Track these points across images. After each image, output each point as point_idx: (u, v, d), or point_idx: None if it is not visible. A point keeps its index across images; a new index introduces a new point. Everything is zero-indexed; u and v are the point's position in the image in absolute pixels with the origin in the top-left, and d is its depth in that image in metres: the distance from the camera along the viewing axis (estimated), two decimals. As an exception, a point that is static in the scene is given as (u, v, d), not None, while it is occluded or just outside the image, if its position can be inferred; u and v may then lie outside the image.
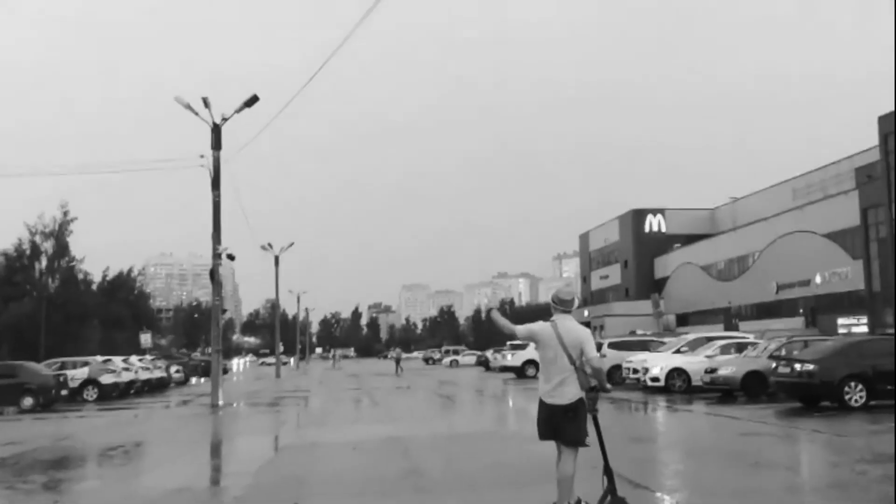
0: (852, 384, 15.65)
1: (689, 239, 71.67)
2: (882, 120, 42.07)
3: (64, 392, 24.31)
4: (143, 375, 30.94)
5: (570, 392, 6.31)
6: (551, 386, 6.37)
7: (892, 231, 40.94)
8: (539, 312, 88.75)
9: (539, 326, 6.52)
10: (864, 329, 41.73)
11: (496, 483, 8.87)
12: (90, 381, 26.82)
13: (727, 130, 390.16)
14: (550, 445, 6.62)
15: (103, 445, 14.00)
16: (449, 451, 11.69)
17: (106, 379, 27.23)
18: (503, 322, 6.65)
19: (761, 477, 8.91)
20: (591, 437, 6.44)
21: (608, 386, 6.54)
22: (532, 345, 36.38)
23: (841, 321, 45.92)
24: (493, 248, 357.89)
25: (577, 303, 6.61)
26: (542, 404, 6.47)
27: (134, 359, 33.43)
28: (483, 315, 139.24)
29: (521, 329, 6.60)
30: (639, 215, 76.82)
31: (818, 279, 50.04)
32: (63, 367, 27.13)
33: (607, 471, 6.53)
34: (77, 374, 26.62)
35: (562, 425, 6.33)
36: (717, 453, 10.97)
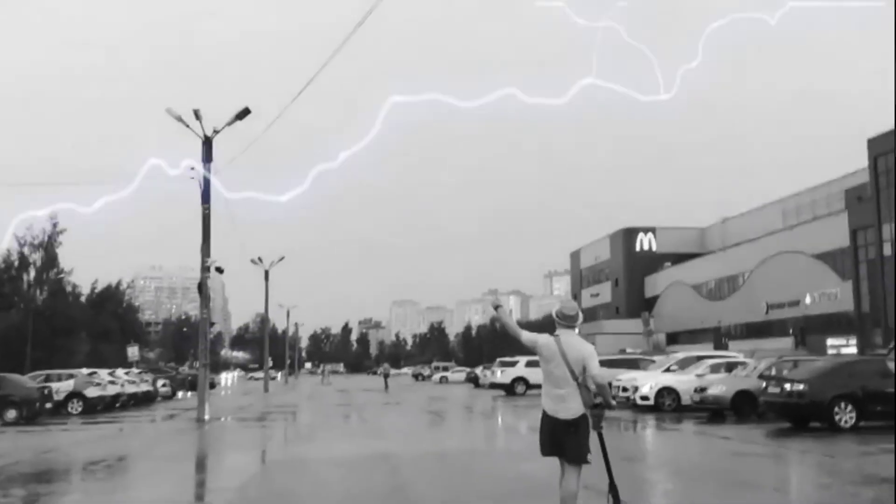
0: (842, 405, 15.60)
1: (680, 258, 71.93)
2: (872, 142, 42.40)
3: (48, 405, 24.06)
4: (129, 389, 30.62)
5: (572, 407, 6.25)
6: (553, 400, 6.34)
7: (881, 253, 41.16)
8: (530, 329, 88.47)
9: (544, 339, 6.47)
10: (854, 350, 41.83)
11: (485, 500, 8.77)
12: (75, 394, 26.49)
13: (721, 146, 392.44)
14: (542, 463, 6.55)
15: (87, 459, 13.82)
16: (437, 468, 11.59)
17: (91, 392, 26.93)
18: (508, 320, 6.56)
19: (750, 497, 8.86)
20: (593, 452, 6.34)
21: (613, 402, 6.48)
22: (522, 363, 36.10)
23: (830, 341, 46.04)
24: (484, 264, 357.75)
25: (580, 318, 6.57)
26: (545, 417, 6.40)
27: (120, 372, 33.11)
28: (474, 332, 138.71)
29: (525, 335, 6.54)
30: (630, 234, 77.05)
31: (808, 299, 50.23)
32: (48, 379, 26.80)
33: (612, 489, 6.45)
34: (62, 387, 26.28)
35: (564, 440, 6.25)
36: (707, 473, 10.90)
